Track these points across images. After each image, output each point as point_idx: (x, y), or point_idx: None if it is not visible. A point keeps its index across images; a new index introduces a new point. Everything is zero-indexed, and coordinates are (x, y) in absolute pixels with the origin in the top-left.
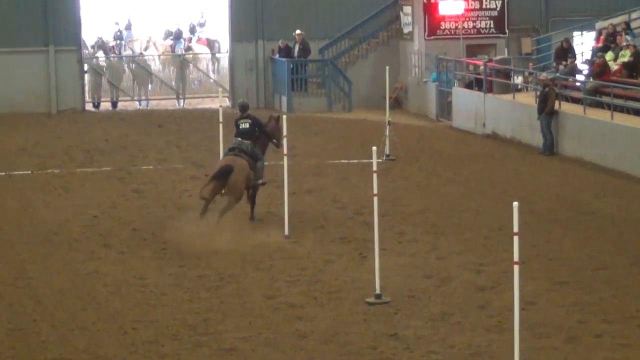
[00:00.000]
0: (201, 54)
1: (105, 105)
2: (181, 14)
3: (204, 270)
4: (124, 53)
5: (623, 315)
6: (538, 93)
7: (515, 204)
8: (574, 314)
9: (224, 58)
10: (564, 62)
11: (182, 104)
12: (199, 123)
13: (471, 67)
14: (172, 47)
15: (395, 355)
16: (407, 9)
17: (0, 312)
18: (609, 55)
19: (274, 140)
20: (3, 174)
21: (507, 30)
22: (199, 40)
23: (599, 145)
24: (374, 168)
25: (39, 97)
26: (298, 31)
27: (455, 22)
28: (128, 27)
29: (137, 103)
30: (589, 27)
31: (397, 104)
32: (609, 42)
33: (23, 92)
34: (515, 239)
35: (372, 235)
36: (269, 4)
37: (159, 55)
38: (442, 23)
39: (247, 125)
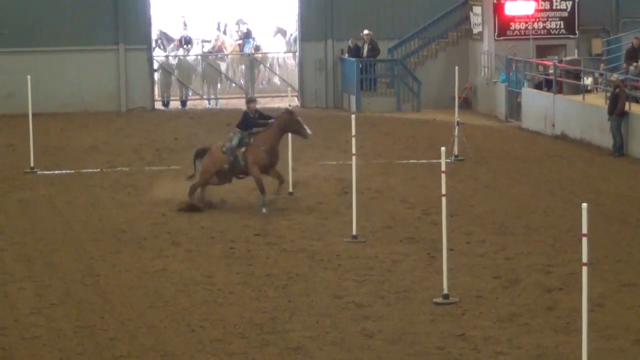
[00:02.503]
0: (269, 53)
1: (175, 104)
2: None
3: (271, 269)
4: (192, 51)
5: None
6: (608, 94)
7: (584, 205)
8: None
9: (288, 57)
10: (634, 63)
11: None
12: None
13: (541, 68)
14: (241, 47)
15: (463, 355)
16: (477, 9)
17: (68, 309)
18: None
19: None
20: (73, 171)
21: (577, 31)
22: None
23: None
24: (443, 168)
25: (108, 96)
26: (366, 31)
27: (525, 22)
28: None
29: (206, 102)
30: None
31: (466, 104)
32: None
33: (93, 90)
34: (584, 240)
35: (440, 235)
36: (338, 3)
37: (227, 55)
38: (512, 23)
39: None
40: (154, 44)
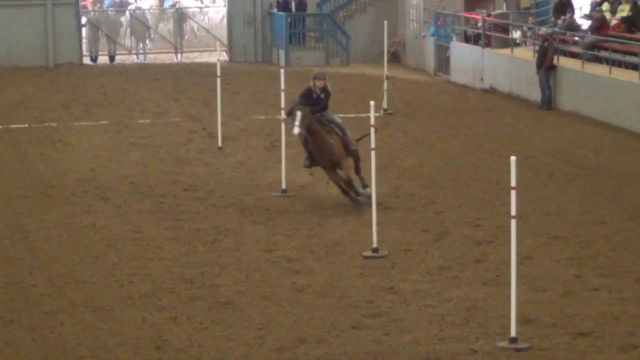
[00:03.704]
0: (190, 8)
1: (103, 59)
2: None
3: (200, 224)
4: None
5: (620, 269)
6: (537, 48)
7: (513, 158)
8: (570, 268)
9: (211, 11)
10: (562, 17)
11: (179, 57)
12: (196, 77)
13: (470, 22)
14: (161, 2)
15: (392, 309)
16: None
17: None
18: (605, 6)
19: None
20: (0, 127)
21: None
22: None
23: (597, 100)
24: (372, 122)
25: (36, 51)
26: None
27: None
28: None
29: (134, 57)
30: None
31: (395, 58)
32: None
33: (21, 45)
34: (513, 193)
35: (369, 189)
36: None
37: (152, 9)
38: None
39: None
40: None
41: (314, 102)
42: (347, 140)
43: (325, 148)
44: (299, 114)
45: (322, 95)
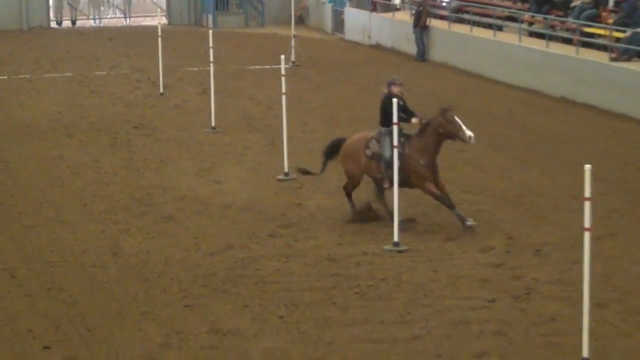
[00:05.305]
0: None
1: (66, 23)
2: None
3: (147, 155)
4: None
5: (476, 185)
6: (413, 12)
7: (395, 100)
8: None
9: None
10: None
11: (128, 21)
12: (142, 37)
13: None
14: None
15: (300, 220)
16: None
17: None
18: None
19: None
20: None
21: None
22: None
23: (461, 53)
24: (282, 72)
25: (12, 17)
26: None
27: None
28: None
29: (92, 21)
30: None
31: (301, 21)
32: None
33: (0, 12)
34: (395, 129)
35: (281, 126)
36: None
37: None
38: None
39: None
40: None
41: (403, 110)
42: None
43: (435, 168)
44: (457, 120)
45: (401, 103)
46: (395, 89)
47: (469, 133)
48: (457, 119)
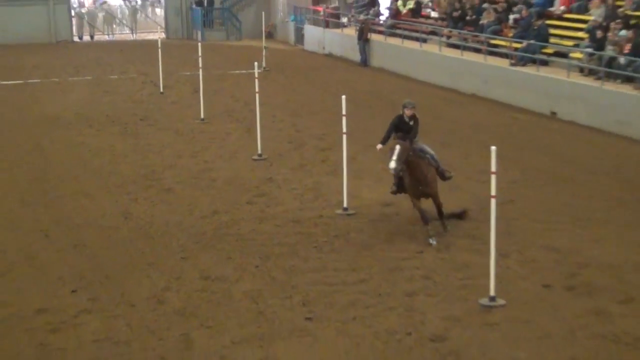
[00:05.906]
0: (118, 6)
1: (86, 38)
2: None
3: (151, 141)
4: (98, 4)
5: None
6: (357, 28)
7: (344, 97)
8: (380, 162)
9: (157, 5)
10: (373, 9)
11: (134, 36)
12: (145, 48)
13: (316, 12)
14: (94, 1)
15: (271, 190)
16: None
17: (23, 173)
18: (399, 2)
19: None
20: (22, 81)
21: None
22: None
23: (395, 60)
24: (256, 75)
25: (43, 33)
26: None
27: None
28: None
29: (106, 36)
30: None
31: (270, 35)
32: None
33: (33, 29)
34: (344, 119)
35: (255, 117)
36: None
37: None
38: None
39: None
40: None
41: (405, 130)
42: (442, 169)
43: (422, 180)
44: (397, 148)
45: (412, 123)
46: (408, 112)
47: (391, 164)
48: (396, 146)
